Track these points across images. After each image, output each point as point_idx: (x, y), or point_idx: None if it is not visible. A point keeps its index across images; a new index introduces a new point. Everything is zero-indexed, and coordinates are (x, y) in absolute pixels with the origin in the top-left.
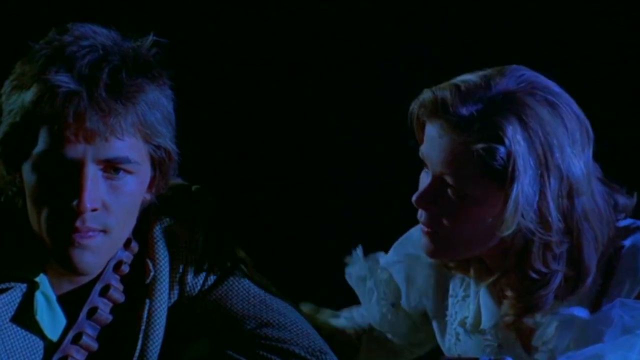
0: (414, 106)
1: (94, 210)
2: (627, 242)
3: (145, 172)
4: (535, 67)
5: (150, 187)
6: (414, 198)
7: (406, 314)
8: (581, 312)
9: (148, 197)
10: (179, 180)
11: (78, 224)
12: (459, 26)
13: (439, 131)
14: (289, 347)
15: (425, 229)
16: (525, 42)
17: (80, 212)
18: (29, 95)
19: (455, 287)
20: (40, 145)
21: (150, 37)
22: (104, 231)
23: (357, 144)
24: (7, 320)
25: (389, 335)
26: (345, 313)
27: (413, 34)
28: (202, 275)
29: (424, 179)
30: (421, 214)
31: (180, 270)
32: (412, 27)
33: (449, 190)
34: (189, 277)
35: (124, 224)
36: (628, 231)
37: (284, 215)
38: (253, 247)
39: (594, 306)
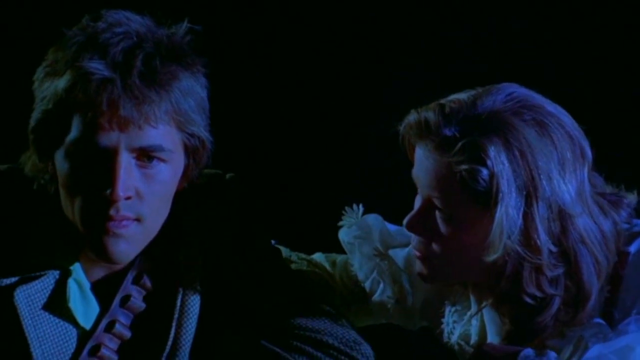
0: (402, 128)
1: (127, 198)
2: (632, 248)
3: (178, 160)
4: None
5: (183, 175)
6: (404, 222)
7: (408, 311)
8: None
9: (181, 185)
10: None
11: (112, 212)
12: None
13: (424, 152)
14: (322, 337)
15: (417, 254)
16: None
17: (114, 200)
18: (62, 83)
19: (455, 296)
20: (74, 133)
21: (185, 25)
22: (138, 220)
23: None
24: (40, 307)
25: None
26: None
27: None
28: (235, 263)
29: (417, 203)
30: (413, 238)
31: (214, 258)
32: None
33: (437, 214)
34: (222, 265)
35: (157, 212)
36: (632, 236)
37: (317, 204)
38: (285, 235)
39: (604, 317)
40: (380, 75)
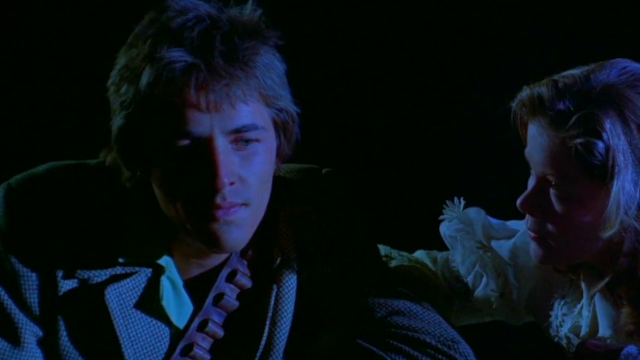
0: (515, 106)
1: (231, 184)
2: None
3: (271, 139)
4: None
5: (278, 155)
6: (518, 202)
7: (513, 305)
8: None
9: (276, 167)
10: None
11: (219, 200)
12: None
13: (538, 129)
14: (420, 336)
15: (533, 235)
16: None
17: (219, 188)
18: (144, 79)
19: (564, 288)
20: (165, 130)
21: (250, 5)
22: (246, 204)
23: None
24: (132, 306)
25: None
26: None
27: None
28: (332, 261)
29: (530, 183)
30: (527, 220)
31: (309, 256)
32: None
33: (552, 192)
34: (318, 263)
35: (261, 195)
36: None
37: (415, 201)
38: (383, 233)
39: None
40: (480, 66)
